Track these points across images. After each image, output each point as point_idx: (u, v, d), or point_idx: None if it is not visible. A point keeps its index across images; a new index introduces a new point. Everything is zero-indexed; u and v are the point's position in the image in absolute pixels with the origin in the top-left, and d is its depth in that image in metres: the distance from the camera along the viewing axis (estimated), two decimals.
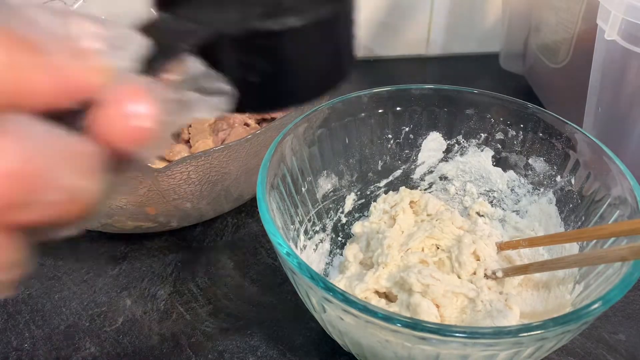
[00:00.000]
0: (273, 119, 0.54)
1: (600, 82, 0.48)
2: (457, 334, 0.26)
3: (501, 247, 0.43)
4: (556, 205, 0.43)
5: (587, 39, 0.51)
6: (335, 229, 0.46)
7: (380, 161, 0.47)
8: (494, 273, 0.40)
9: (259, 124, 0.55)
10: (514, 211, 0.47)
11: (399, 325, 0.27)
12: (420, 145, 0.47)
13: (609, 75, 0.47)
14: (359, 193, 0.47)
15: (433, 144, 0.47)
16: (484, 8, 0.78)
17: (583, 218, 0.40)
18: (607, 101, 0.48)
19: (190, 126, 0.50)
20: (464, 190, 0.49)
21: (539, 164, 0.44)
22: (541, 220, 0.44)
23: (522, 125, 0.44)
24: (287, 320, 0.43)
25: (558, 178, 0.43)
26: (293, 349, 0.40)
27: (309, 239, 0.43)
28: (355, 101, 0.44)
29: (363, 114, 0.45)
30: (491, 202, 0.48)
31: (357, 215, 0.47)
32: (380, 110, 0.45)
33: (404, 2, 0.75)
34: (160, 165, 0.41)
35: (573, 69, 0.58)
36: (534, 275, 0.42)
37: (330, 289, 0.28)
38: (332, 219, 0.46)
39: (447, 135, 0.47)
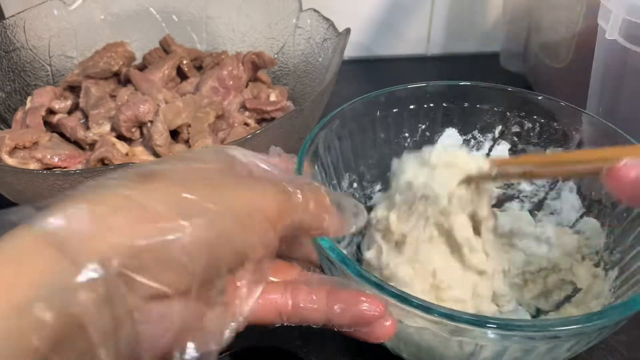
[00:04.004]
0: (273, 119, 0.54)
1: (601, 81, 0.48)
2: (522, 328, 0.27)
3: (497, 162, 0.39)
4: (577, 193, 0.43)
5: (588, 38, 0.50)
6: (358, 235, 0.46)
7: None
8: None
9: (258, 123, 0.55)
10: (532, 202, 0.47)
11: (462, 323, 0.27)
12: (437, 142, 0.48)
13: (610, 75, 0.47)
14: (378, 193, 0.48)
15: (449, 140, 0.48)
16: (485, 7, 0.78)
17: (607, 205, 0.40)
18: (608, 101, 0.48)
19: (189, 126, 0.50)
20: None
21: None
22: (562, 209, 0.44)
23: (536, 117, 0.44)
24: None
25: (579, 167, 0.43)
26: (293, 350, 0.40)
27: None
28: (372, 101, 0.44)
29: (381, 114, 0.45)
30: (511, 195, 0.48)
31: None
32: (395, 110, 0.45)
33: (404, 1, 0.75)
34: None
35: (574, 68, 0.57)
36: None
37: (387, 290, 0.28)
38: None
39: (463, 131, 0.47)
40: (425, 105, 0.46)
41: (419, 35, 0.79)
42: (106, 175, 0.21)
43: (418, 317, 0.28)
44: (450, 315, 0.27)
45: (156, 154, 0.49)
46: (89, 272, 0.17)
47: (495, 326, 0.27)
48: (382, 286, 0.28)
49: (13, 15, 0.57)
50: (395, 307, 0.29)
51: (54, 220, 0.18)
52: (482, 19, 0.78)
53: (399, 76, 0.77)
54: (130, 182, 0.20)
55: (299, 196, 0.24)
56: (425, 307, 0.27)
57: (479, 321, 0.27)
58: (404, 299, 0.28)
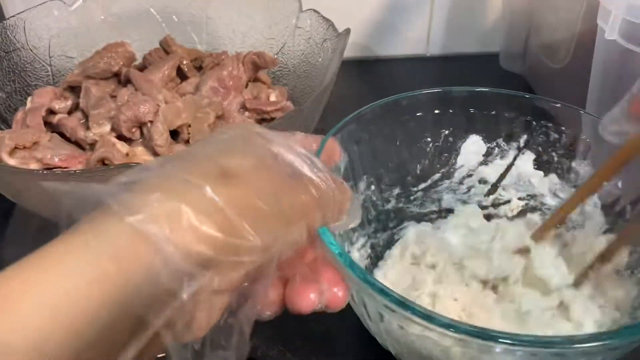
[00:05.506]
0: (273, 119, 0.54)
1: (600, 81, 0.48)
2: (524, 342, 0.26)
3: (535, 237, 0.41)
4: (601, 209, 0.42)
5: (587, 38, 0.50)
6: (374, 238, 0.46)
7: (418, 165, 0.46)
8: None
9: (258, 123, 0.55)
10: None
11: (465, 335, 0.26)
12: (460, 149, 0.46)
13: (609, 74, 0.47)
14: (397, 197, 0.47)
15: (473, 147, 0.46)
16: (484, 8, 0.78)
17: (629, 220, 0.40)
18: (608, 101, 0.48)
19: (189, 126, 0.50)
20: (504, 193, 0.48)
21: (582, 166, 0.43)
22: (584, 224, 0.43)
23: (564, 128, 0.43)
24: (287, 320, 0.42)
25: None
26: (293, 350, 0.40)
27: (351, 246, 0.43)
28: (393, 105, 0.43)
29: (402, 118, 0.44)
30: (534, 207, 0.47)
31: (394, 219, 0.47)
32: (419, 114, 0.44)
33: (404, 2, 0.75)
34: None
35: (574, 68, 0.57)
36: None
37: (390, 296, 0.28)
38: (371, 226, 0.46)
39: (487, 139, 0.46)
40: (449, 111, 0.45)
41: (419, 36, 0.79)
42: (189, 161, 0.23)
43: (420, 325, 0.28)
44: (453, 326, 0.26)
45: (156, 154, 0.49)
46: (185, 278, 0.20)
47: (500, 340, 0.26)
48: (385, 292, 0.28)
49: (13, 16, 0.57)
50: (397, 314, 0.28)
51: (147, 219, 0.20)
52: (482, 19, 0.78)
53: (398, 77, 0.77)
54: (213, 183, 0.21)
55: (333, 201, 0.26)
56: (427, 316, 0.27)
57: (483, 334, 0.26)
58: (406, 306, 0.27)
